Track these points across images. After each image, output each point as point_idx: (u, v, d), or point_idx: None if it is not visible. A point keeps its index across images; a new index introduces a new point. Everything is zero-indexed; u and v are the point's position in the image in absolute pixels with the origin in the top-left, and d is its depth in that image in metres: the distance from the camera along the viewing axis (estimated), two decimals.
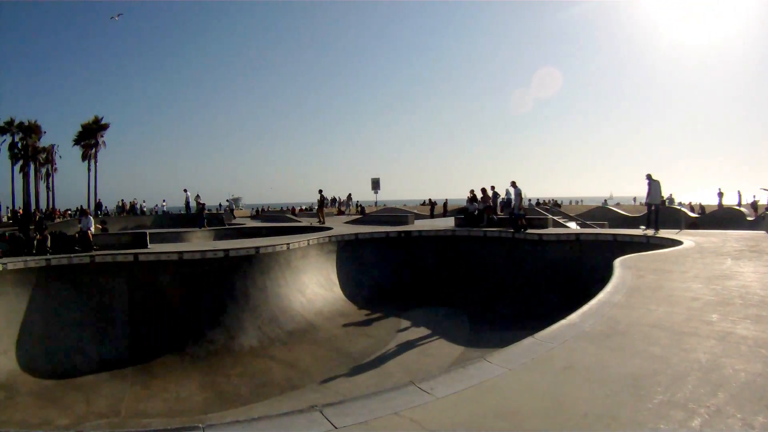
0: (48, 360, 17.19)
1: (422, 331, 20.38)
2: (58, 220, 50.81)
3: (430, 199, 67.78)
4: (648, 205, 27.19)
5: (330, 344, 19.48)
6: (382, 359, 17.64)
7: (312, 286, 23.88)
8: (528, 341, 8.02)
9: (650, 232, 24.15)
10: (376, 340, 19.30)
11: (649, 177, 26.13)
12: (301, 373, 17.19)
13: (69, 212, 66.72)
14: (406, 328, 20.91)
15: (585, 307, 9.77)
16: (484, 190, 31.26)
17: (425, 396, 6.09)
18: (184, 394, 16.08)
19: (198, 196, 56.69)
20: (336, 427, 5.30)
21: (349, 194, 65.34)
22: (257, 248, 22.69)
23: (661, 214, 26.04)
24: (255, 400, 15.22)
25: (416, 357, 17.83)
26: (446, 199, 62.20)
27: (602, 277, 14.59)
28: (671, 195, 62.44)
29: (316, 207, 45.62)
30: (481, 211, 30.26)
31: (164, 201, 65.33)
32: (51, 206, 79.84)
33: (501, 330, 19.55)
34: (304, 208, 73.87)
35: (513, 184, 28.66)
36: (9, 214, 66.82)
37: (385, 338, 19.67)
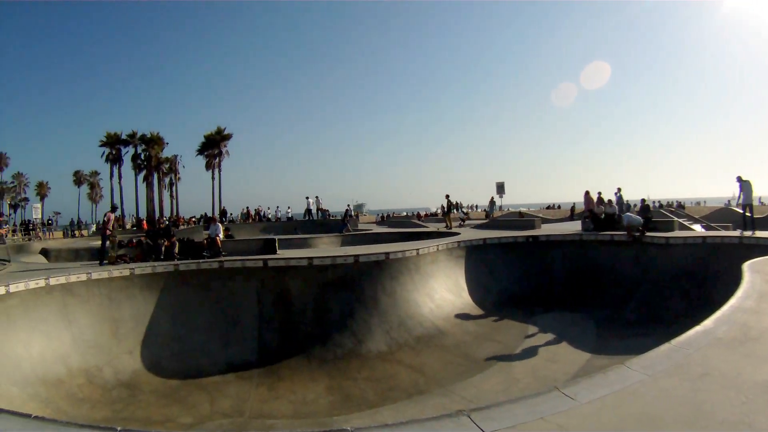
0: (173, 361, 17.55)
1: (549, 337, 20.03)
2: (182, 227, 52.11)
3: (554, 204, 67.28)
4: (743, 206, 27.18)
5: (457, 349, 19.27)
6: (509, 365, 17.40)
7: (441, 291, 23.69)
8: (665, 347, 7.94)
9: (748, 233, 24.37)
10: (503, 346, 19.04)
11: (739, 179, 26.05)
12: (428, 377, 17.08)
13: (193, 219, 68.55)
14: (533, 334, 20.58)
15: (718, 313, 9.55)
16: (598, 195, 30.92)
17: (569, 401, 6.12)
18: (310, 396, 16.21)
19: (318, 200, 57.49)
20: (484, 431, 5.26)
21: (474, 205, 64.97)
22: (387, 254, 22.71)
23: None
24: (381, 404, 15.23)
25: (543, 363, 17.47)
26: (573, 203, 61.67)
27: (728, 281, 14.16)
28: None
29: (443, 212, 45.40)
30: (609, 214, 29.65)
31: (289, 208, 66.20)
32: (175, 214, 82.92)
33: (628, 337, 19.15)
34: (429, 213, 73.77)
35: (618, 190, 29.25)
36: (133, 221, 69.11)
37: (512, 344, 19.40)
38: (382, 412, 14.54)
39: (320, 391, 16.51)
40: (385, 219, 70.70)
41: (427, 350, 19.30)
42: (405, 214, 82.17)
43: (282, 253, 24.04)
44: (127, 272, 20.63)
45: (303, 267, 21.77)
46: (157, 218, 69.22)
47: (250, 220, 61.64)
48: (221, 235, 24.60)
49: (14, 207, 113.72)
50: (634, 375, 6.92)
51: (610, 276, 25.42)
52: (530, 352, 18.56)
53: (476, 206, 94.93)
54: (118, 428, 5.83)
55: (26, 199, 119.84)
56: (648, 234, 25.71)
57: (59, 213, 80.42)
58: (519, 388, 15.02)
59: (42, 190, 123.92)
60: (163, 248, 23.24)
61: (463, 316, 22.43)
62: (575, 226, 33.01)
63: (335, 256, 22.30)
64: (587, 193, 34.08)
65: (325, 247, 33.76)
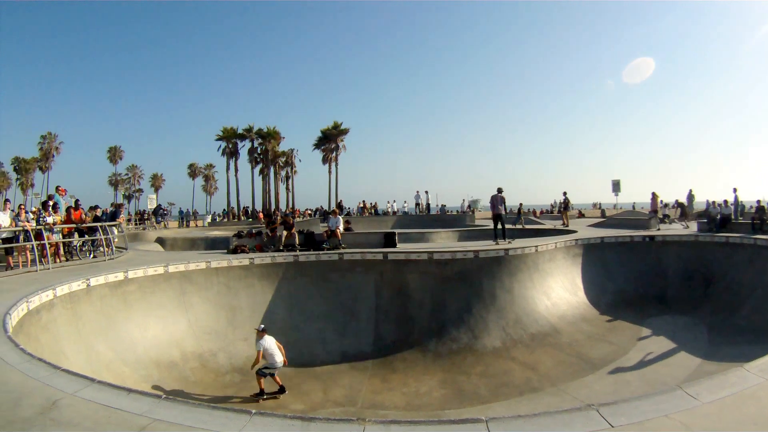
0: (288, 349, 17.66)
1: (661, 341, 19.63)
2: (298, 219, 52.80)
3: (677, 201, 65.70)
4: (725, 215, 28.04)
5: (571, 349, 19.11)
6: (620, 367, 17.18)
7: (557, 289, 23.49)
8: None
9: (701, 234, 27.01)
10: (616, 347, 18.77)
11: (735, 191, 27.48)
12: (540, 376, 16.97)
13: (309, 212, 69.42)
14: (646, 337, 20.22)
15: None
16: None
17: (692, 401, 6.08)
18: (423, 389, 16.27)
19: (427, 195, 57.57)
20: (612, 426, 5.32)
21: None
22: (506, 250, 22.51)
23: None
24: (493, 400, 15.19)
25: (654, 366, 17.18)
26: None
27: None
28: None
29: (560, 209, 44.85)
30: (724, 216, 29.02)
31: (405, 202, 66.42)
32: (291, 206, 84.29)
33: (739, 344, 18.50)
34: (544, 210, 72.94)
35: (735, 191, 28.58)
36: (247, 214, 70.38)
37: (625, 346, 19.10)
38: (494, 408, 14.51)
39: (433, 385, 16.58)
40: None
41: (541, 348, 19.17)
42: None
43: (402, 247, 24.26)
44: (246, 262, 21.26)
45: (423, 261, 21.85)
46: (273, 210, 70.31)
47: (366, 214, 61.73)
48: (341, 228, 24.93)
49: (128, 197, 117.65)
50: (753, 378, 6.86)
51: (724, 280, 24.66)
52: (642, 355, 18.24)
53: (599, 203, 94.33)
54: (252, 411, 5.95)
55: (140, 190, 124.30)
56: (764, 237, 24.83)
57: (173, 204, 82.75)
58: (629, 391, 14.81)
59: (156, 182, 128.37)
60: (283, 239, 23.74)
61: (578, 315, 22.21)
62: (693, 227, 32.13)
63: (455, 250, 22.28)
64: (654, 194, 35.52)
65: (443, 242, 33.83)
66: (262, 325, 15.11)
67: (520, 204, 59.29)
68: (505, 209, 26.92)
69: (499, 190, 26.26)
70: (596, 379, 16.26)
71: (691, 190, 37.80)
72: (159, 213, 58.18)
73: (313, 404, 15.08)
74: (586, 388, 15.62)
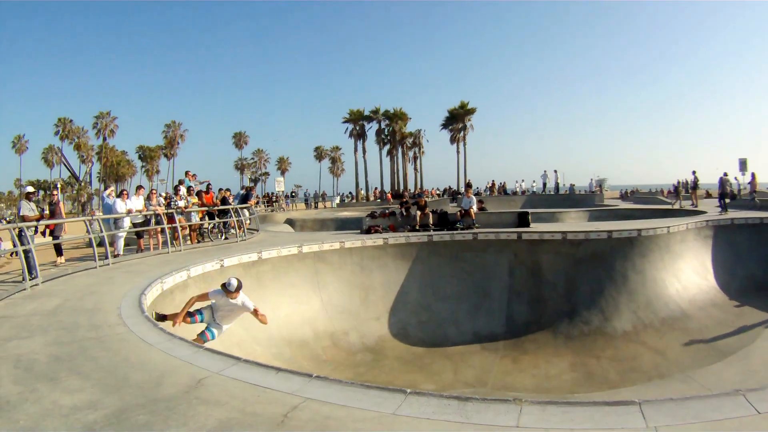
0: (419, 329, 18.10)
1: None
2: (428, 199, 53.21)
3: None
4: None
5: (699, 334, 18.57)
6: (748, 355, 16.63)
7: (687, 272, 22.80)
8: None
9: None
10: (744, 335, 18.13)
11: None
12: (669, 361, 16.72)
13: (436, 192, 69.96)
14: None
15: None
16: None
17: None
18: (553, 372, 16.30)
19: (556, 174, 57.26)
20: (759, 412, 5.17)
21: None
22: (639, 230, 22.00)
23: None
24: (622, 384, 15.13)
25: None
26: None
27: None
28: None
29: (689, 188, 43.78)
30: None
31: (534, 182, 66.43)
32: (420, 187, 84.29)
33: None
34: (671, 190, 71.56)
35: None
36: (375, 194, 71.16)
37: (752, 333, 18.37)
38: (622, 392, 14.41)
39: (563, 367, 16.58)
40: (628, 195, 69.56)
41: (670, 333, 18.78)
42: (649, 190, 79.69)
43: (535, 227, 24.03)
44: (380, 242, 21.60)
45: (556, 241, 21.70)
46: (402, 191, 70.74)
47: (494, 193, 61.36)
48: (475, 208, 24.87)
49: (255, 181, 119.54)
50: None
51: None
52: None
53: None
54: (408, 390, 6.03)
55: (267, 174, 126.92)
56: None
57: (300, 186, 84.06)
58: (756, 381, 14.44)
59: (283, 165, 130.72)
60: (417, 219, 23.81)
61: (708, 300, 21.51)
62: None
63: (588, 231, 22.10)
64: (724, 175, 34.18)
65: (573, 222, 33.57)
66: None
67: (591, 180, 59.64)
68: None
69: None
70: (724, 367, 15.85)
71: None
72: (292, 195, 59.44)
73: (444, 384, 15.26)
74: (714, 375, 15.28)
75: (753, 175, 39.13)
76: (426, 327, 19.11)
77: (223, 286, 10.73)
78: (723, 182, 32.59)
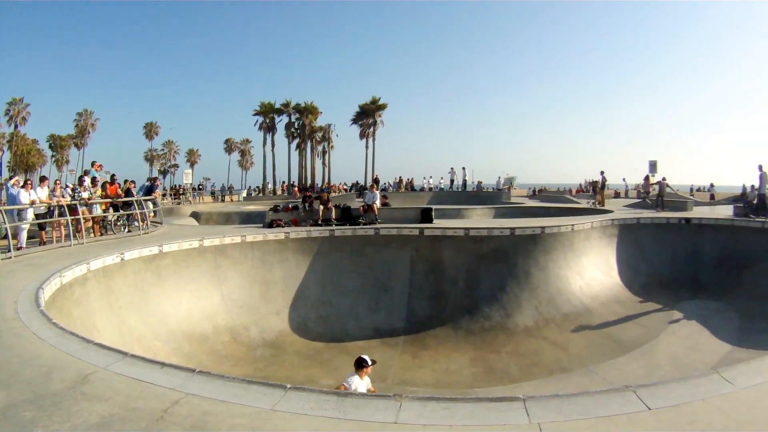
0: (320, 323, 18.13)
1: (692, 325, 19.49)
2: (334, 194, 53.05)
3: (712, 184, 65.22)
4: (760, 195, 27.56)
5: (602, 330, 19.12)
6: (651, 350, 17.17)
7: (591, 269, 23.42)
8: None
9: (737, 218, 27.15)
10: (647, 330, 18.69)
11: (760, 168, 27.29)
12: (571, 356, 17.07)
13: (344, 187, 70.00)
14: (677, 320, 20.08)
15: None
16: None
17: (728, 386, 5.98)
18: (454, 367, 16.40)
19: (464, 172, 57.91)
20: (649, 408, 5.27)
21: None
22: (542, 228, 22.49)
23: None
24: (523, 379, 15.33)
25: (684, 351, 17.12)
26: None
27: None
28: None
29: (596, 188, 44.71)
30: (761, 197, 28.65)
31: (442, 178, 66.28)
32: (327, 181, 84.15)
33: None
34: (580, 188, 72.49)
35: (760, 167, 28.02)
36: (283, 188, 71.10)
37: (656, 329, 19.01)
38: (523, 387, 14.62)
39: (464, 363, 16.70)
40: (536, 193, 70.15)
41: (572, 328, 19.21)
42: (557, 189, 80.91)
43: (438, 223, 24.18)
44: (282, 236, 21.36)
45: (459, 237, 21.91)
46: (309, 185, 70.65)
47: (402, 189, 61.57)
48: (378, 203, 25.00)
49: (163, 173, 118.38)
50: None
51: (759, 266, 23.98)
52: (673, 339, 18.20)
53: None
54: (288, 386, 5.98)
55: (176, 165, 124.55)
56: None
57: (209, 178, 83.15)
58: (659, 375, 14.83)
59: (192, 157, 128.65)
60: (320, 214, 23.80)
61: (611, 297, 22.12)
62: (728, 211, 31.47)
63: (491, 227, 22.33)
64: (647, 177, 37.76)
65: (479, 219, 33.72)
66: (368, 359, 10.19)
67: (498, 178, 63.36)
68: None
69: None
70: (627, 362, 16.27)
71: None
72: (199, 188, 59.00)
73: (343, 379, 15.03)
74: (616, 370, 15.66)
75: (646, 177, 40.68)
76: (326, 322, 19.13)
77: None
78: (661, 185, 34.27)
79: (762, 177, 27.45)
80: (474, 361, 16.80)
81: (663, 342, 17.95)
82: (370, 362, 10.12)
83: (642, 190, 43.36)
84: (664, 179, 35.95)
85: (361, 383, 9.75)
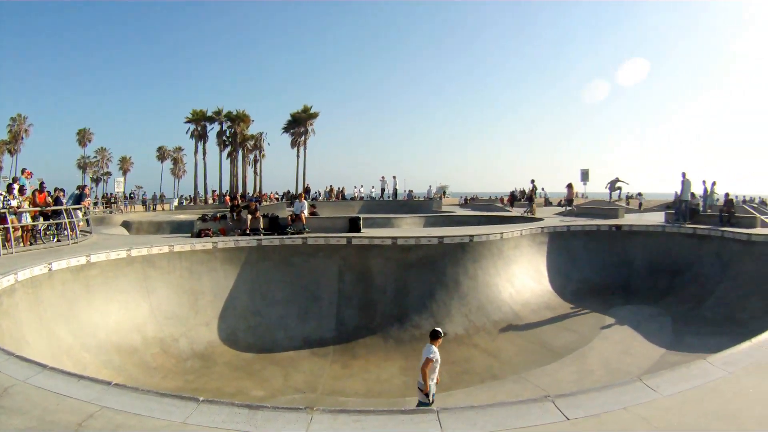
0: (249, 334, 18.00)
1: (625, 330, 19.87)
2: (265, 203, 52.77)
3: (640, 193, 66.22)
4: (681, 201, 29.51)
5: (534, 336, 19.29)
6: (583, 355, 17.39)
7: (521, 276, 23.63)
8: (746, 345, 7.90)
9: (680, 222, 28.39)
10: (579, 336, 18.92)
11: (683, 175, 29.24)
12: (502, 363, 17.17)
13: (276, 196, 69.33)
14: (609, 325, 20.45)
15: None
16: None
17: (651, 393, 6.10)
18: (384, 376, 16.40)
19: (395, 180, 58.17)
20: (567, 419, 5.34)
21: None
22: (471, 236, 22.59)
23: None
24: (455, 387, 15.28)
25: (617, 356, 17.39)
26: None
27: None
28: None
29: (528, 197, 45.20)
30: (692, 207, 29.39)
31: (373, 187, 65.91)
32: (259, 190, 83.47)
33: (703, 335, 18.75)
34: (511, 197, 73.10)
35: (683, 174, 29.58)
36: (214, 197, 70.68)
37: (588, 334, 19.28)
38: (455, 395, 14.61)
39: (394, 372, 16.70)
40: (468, 202, 70.07)
41: (503, 335, 19.34)
42: (489, 198, 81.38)
43: (366, 232, 24.12)
44: (209, 246, 21.06)
45: (387, 246, 21.90)
46: (238, 194, 70.15)
47: (333, 198, 61.35)
48: (306, 212, 24.93)
49: (96, 181, 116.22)
50: (715, 371, 6.88)
51: (690, 271, 24.85)
52: (605, 344, 18.46)
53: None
54: (200, 399, 5.97)
55: (109, 173, 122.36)
56: (731, 230, 24.99)
57: (141, 187, 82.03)
58: (592, 380, 15.02)
59: (125, 165, 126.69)
60: (248, 223, 23.62)
61: (542, 303, 22.33)
62: (658, 218, 32.60)
63: (419, 236, 22.36)
64: (570, 185, 38.74)
65: (408, 228, 33.85)
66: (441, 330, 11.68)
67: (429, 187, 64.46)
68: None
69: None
70: (559, 368, 16.44)
71: (706, 181, 38.66)
72: (130, 196, 58.47)
73: (274, 391, 15.13)
74: (548, 376, 15.78)
75: (569, 185, 41.18)
76: (255, 332, 19.00)
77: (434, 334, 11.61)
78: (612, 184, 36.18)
79: (684, 183, 28.48)
80: (404, 370, 16.79)
81: (595, 347, 18.22)
82: (442, 333, 11.68)
83: (564, 199, 44.24)
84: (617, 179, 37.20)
85: (435, 352, 11.25)
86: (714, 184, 32.91)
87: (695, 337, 18.74)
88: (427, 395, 11.31)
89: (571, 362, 16.87)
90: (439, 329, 11.66)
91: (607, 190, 47.37)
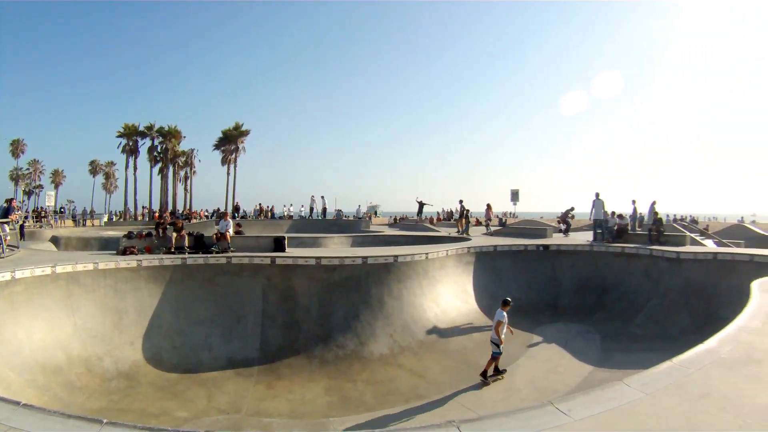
0: (173, 354, 17.76)
1: (553, 348, 20.06)
2: (195, 221, 52.45)
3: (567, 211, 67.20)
4: (594, 221, 31.40)
5: (460, 356, 19.30)
6: (510, 374, 17.36)
7: (447, 296, 23.74)
8: (666, 366, 7.82)
9: (596, 241, 29.64)
10: (506, 355, 18.39)
11: (596, 195, 30.79)
12: (428, 383, 17.09)
13: (205, 213, 69.10)
14: (536, 344, 20.63)
15: (723, 333, 9.39)
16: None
17: (563, 417, 6.03)
18: (309, 396, 16.22)
19: (323, 200, 58.37)
20: None
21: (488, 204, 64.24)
22: (396, 257, 22.68)
23: None
24: (379, 407, 15.21)
25: (544, 374, 17.49)
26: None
27: (737, 299, 14.08)
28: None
29: (456, 217, 45.54)
30: (621, 226, 29.95)
31: (302, 206, 65.72)
32: (189, 207, 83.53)
33: (632, 351, 19.11)
34: (442, 218, 73.18)
35: (596, 195, 31.04)
36: (144, 214, 70.11)
37: (515, 353, 19.24)
38: (380, 415, 14.53)
39: (319, 392, 16.52)
40: (397, 221, 70.04)
41: (429, 355, 19.32)
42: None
43: (291, 252, 24.03)
44: (134, 263, 20.68)
45: (310, 266, 21.74)
46: (167, 211, 69.56)
47: (262, 217, 61.46)
48: (231, 231, 24.81)
49: (28, 193, 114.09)
50: (632, 393, 6.83)
51: (619, 289, 25.40)
52: (533, 363, 18.57)
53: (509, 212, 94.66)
54: (104, 420, 5.88)
55: (41, 186, 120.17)
56: (659, 248, 25.60)
57: (73, 201, 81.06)
58: (519, 398, 15.06)
59: (57, 178, 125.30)
60: (173, 241, 23.41)
61: (468, 323, 22.40)
62: (587, 237, 33.04)
63: (343, 256, 22.29)
64: (488, 205, 41.05)
65: (336, 247, 33.83)
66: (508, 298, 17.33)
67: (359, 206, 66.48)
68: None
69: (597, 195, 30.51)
70: (485, 387, 16.40)
71: (634, 201, 39.51)
72: (60, 211, 57.79)
73: (197, 412, 14.94)
74: (474, 395, 15.75)
75: (488, 205, 42.78)
76: (180, 352, 18.73)
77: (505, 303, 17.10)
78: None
79: (595, 204, 29.64)
80: (329, 390, 16.67)
81: (522, 366, 18.29)
82: (510, 301, 17.14)
83: (484, 219, 45.93)
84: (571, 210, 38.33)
85: (505, 315, 16.63)
86: (654, 203, 33.51)
87: (624, 354, 19.03)
88: (498, 346, 16.42)
89: (498, 381, 16.84)
90: (509, 298, 17.16)
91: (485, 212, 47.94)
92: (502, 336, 16.28)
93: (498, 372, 16.81)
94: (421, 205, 51.26)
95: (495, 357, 16.69)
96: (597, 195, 30.55)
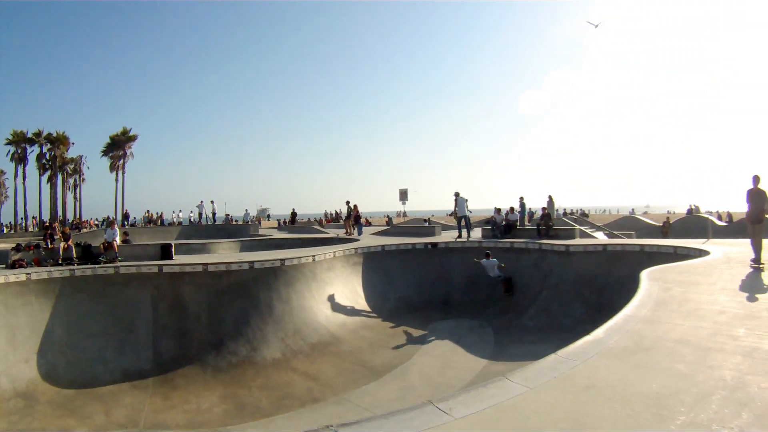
0: (69, 369, 17.43)
1: (446, 344, 20.25)
2: (85, 230, 51.35)
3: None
4: (458, 217, 32.31)
5: (353, 357, 19.41)
6: (405, 372, 17.56)
7: (337, 298, 23.90)
8: (551, 359, 7.85)
9: (462, 238, 30.52)
10: (399, 353, 19.19)
11: (456, 194, 31.55)
12: (322, 385, 17.15)
13: (96, 222, 67.46)
14: (430, 341, 20.78)
15: (610, 322, 9.52)
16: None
17: (444, 416, 5.95)
18: (205, 405, 16.14)
19: (213, 205, 58.09)
20: None
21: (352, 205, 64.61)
22: (282, 260, 22.73)
23: (688, 222, 28.65)
24: (276, 412, 15.19)
25: (439, 370, 17.66)
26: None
27: (628, 288, 14.40)
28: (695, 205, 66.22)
29: (344, 218, 45.56)
30: (509, 222, 30.73)
31: (191, 212, 65.40)
32: (79, 216, 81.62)
33: (526, 343, 19.58)
34: (331, 219, 73.19)
35: (456, 194, 31.81)
36: (34, 224, 68.38)
37: (408, 351, 19.55)
38: (276, 420, 14.56)
39: (214, 400, 16.48)
40: (285, 224, 69.55)
41: (322, 358, 19.46)
42: (308, 219, 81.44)
43: (179, 259, 23.98)
44: (23, 277, 20.08)
45: (197, 273, 21.70)
46: (57, 222, 67.89)
47: (151, 224, 61.03)
48: (118, 240, 24.51)
49: None
50: (515, 388, 6.81)
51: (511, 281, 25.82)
52: (426, 359, 18.78)
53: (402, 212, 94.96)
54: None
55: None
56: (548, 242, 26.36)
57: None
58: (414, 395, 15.19)
59: None
60: (61, 252, 22.81)
61: (360, 324, 22.76)
62: (476, 234, 33.36)
63: (230, 262, 22.30)
64: (355, 206, 40.20)
65: (224, 253, 33.87)
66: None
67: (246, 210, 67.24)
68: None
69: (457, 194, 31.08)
70: (380, 386, 16.57)
71: (522, 198, 40.09)
72: None
73: (97, 427, 14.71)
74: (370, 395, 15.90)
75: (353, 205, 42.28)
76: (75, 367, 18.28)
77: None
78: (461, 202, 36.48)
79: (457, 201, 30.57)
80: (224, 398, 16.63)
81: (416, 363, 18.46)
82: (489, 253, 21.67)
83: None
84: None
85: (489, 262, 21.73)
86: (550, 198, 34.04)
87: (518, 346, 19.48)
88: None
89: (392, 380, 17.05)
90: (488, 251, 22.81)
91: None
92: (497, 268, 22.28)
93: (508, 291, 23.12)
94: (293, 214, 51.58)
95: (506, 279, 22.93)
96: (457, 194, 31.39)
